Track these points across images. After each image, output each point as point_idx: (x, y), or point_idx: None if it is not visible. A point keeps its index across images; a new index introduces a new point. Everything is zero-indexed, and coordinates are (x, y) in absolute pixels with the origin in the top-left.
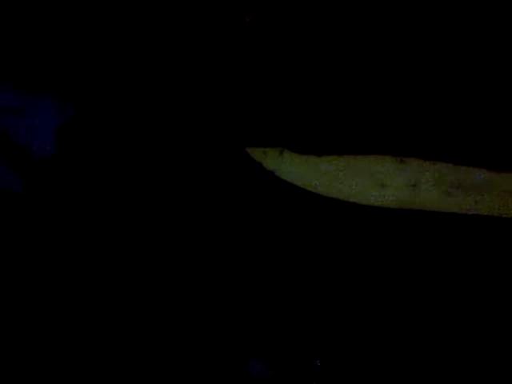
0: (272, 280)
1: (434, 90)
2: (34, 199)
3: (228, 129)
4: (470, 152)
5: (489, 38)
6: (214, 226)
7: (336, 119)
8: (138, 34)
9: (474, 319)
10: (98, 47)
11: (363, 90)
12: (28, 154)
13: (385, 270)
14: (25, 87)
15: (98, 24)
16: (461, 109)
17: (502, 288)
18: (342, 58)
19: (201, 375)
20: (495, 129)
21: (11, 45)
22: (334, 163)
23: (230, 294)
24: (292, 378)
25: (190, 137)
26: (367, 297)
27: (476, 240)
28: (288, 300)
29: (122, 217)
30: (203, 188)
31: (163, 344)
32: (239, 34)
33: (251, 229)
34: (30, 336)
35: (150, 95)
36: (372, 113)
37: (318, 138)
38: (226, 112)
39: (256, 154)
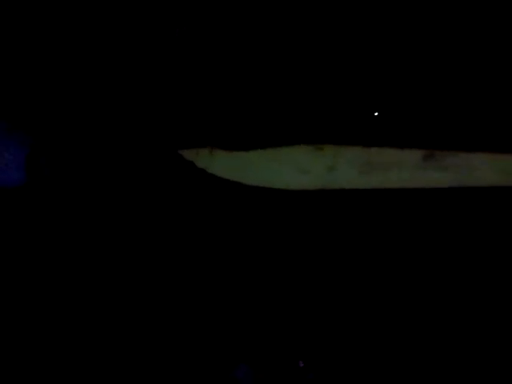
0: (226, 278)
1: (341, 81)
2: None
3: (161, 134)
4: (378, 133)
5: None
6: (154, 226)
7: (259, 116)
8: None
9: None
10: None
11: (278, 86)
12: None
13: (319, 251)
14: None
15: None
16: (365, 94)
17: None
18: (250, 59)
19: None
20: (399, 108)
21: None
22: (260, 156)
23: (194, 297)
24: (277, 380)
25: (129, 143)
26: (319, 283)
27: (389, 214)
28: (252, 298)
29: (83, 231)
30: (142, 189)
31: (152, 351)
32: (171, 43)
33: (189, 225)
34: (29, 335)
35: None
36: (289, 106)
37: (244, 136)
38: (159, 118)
39: (188, 154)
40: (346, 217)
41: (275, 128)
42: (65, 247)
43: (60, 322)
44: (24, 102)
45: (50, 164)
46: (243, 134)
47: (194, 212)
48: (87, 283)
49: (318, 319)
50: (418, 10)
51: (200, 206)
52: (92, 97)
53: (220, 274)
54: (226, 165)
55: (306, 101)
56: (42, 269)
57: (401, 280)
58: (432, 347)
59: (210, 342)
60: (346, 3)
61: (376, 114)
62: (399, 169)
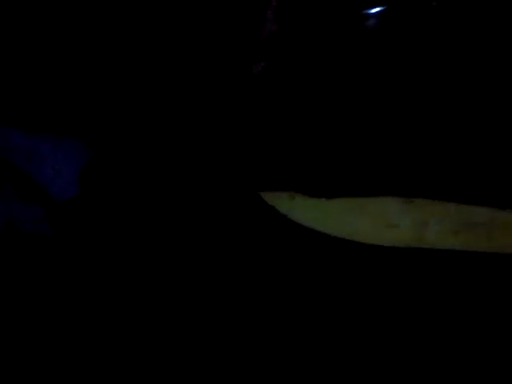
0: (284, 321)
1: (436, 134)
2: (60, 241)
3: (241, 174)
4: (473, 191)
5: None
6: (228, 269)
7: (345, 163)
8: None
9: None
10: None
11: (369, 135)
12: (52, 197)
13: (393, 312)
14: (46, 132)
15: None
16: (463, 150)
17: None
18: (346, 106)
19: None
20: (496, 167)
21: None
22: (344, 205)
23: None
24: None
25: (205, 181)
26: (375, 339)
27: (484, 278)
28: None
29: (144, 256)
30: (218, 232)
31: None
32: (248, 84)
33: (264, 271)
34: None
35: (167, 141)
36: (378, 156)
37: (328, 182)
38: (239, 158)
39: (269, 198)
40: (434, 278)
41: (362, 176)
42: (115, 266)
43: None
44: (83, 113)
45: (105, 178)
46: (327, 179)
47: (272, 259)
48: (145, 300)
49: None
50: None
51: (278, 254)
52: (173, 130)
53: (296, 323)
54: (307, 212)
55: (397, 150)
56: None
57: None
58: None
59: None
60: None
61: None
62: (499, 231)
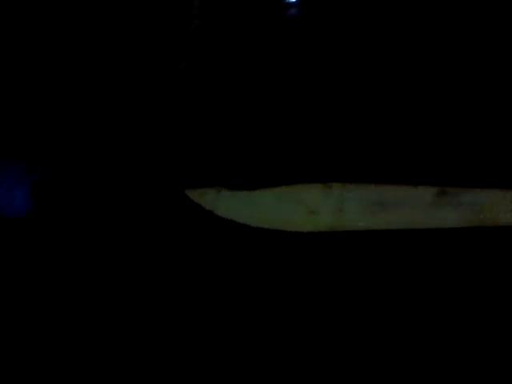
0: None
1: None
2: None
3: (167, 173)
4: (387, 170)
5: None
6: (157, 267)
7: (263, 154)
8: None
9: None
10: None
11: (284, 120)
12: (3, 217)
13: (325, 293)
14: None
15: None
16: (377, 129)
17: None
18: (268, 98)
19: None
20: (411, 145)
21: None
22: (266, 196)
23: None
24: None
25: (135, 181)
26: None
27: (403, 254)
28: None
29: (98, 265)
30: (146, 231)
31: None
32: (174, 79)
33: (194, 268)
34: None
35: (100, 144)
36: (295, 142)
37: (249, 174)
38: (164, 158)
39: (195, 195)
40: (355, 260)
41: (281, 165)
42: (69, 281)
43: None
44: (30, 128)
45: (57, 192)
46: (248, 171)
47: (200, 255)
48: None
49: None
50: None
51: (206, 250)
52: (99, 128)
53: (221, 321)
54: (232, 206)
55: (312, 136)
56: (47, 306)
57: (408, 325)
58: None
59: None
60: None
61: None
62: (412, 208)
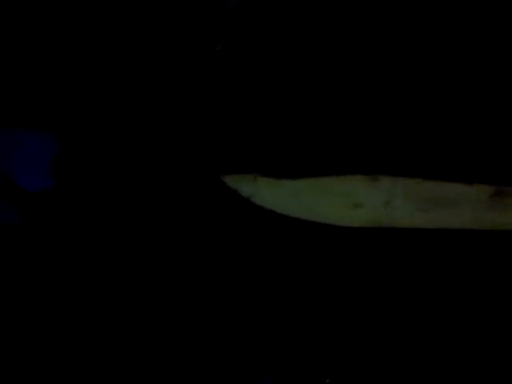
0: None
1: (401, 107)
2: (33, 233)
3: (202, 158)
4: (441, 166)
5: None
6: (193, 257)
7: (307, 142)
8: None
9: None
10: (86, 82)
11: (330, 112)
12: (24, 190)
13: (365, 289)
14: (11, 124)
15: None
16: (431, 123)
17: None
18: (312, 83)
19: None
20: (467, 141)
21: None
22: (307, 186)
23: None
24: None
25: (168, 165)
26: (359, 315)
27: (452, 254)
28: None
29: (118, 245)
30: (181, 217)
31: (172, 360)
32: (210, 61)
33: (229, 258)
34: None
35: (134, 126)
36: (341, 133)
37: (290, 162)
38: (199, 141)
39: (231, 181)
40: (400, 258)
41: (326, 154)
42: (87, 256)
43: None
44: (53, 103)
45: (77, 168)
46: (289, 159)
47: (236, 245)
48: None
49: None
50: None
51: (242, 239)
52: (130, 109)
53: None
54: (270, 194)
55: (360, 124)
56: (65, 277)
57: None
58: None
59: (234, 353)
60: None
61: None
62: (465, 207)
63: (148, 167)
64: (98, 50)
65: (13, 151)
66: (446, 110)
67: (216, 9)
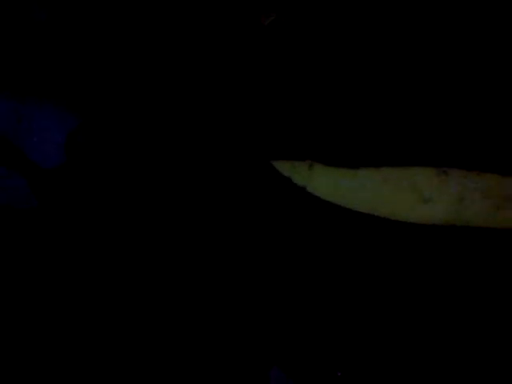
0: (299, 294)
1: (479, 98)
2: (44, 209)
3: (252, 140)
4: None
5: None
6: (240, 245)
7: (371, 128)
8: (147, 39)
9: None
10: (103, 54)
11: (402, 96)
12: (36, 164)
13: (431, 290)
14: (27, 97)
15: (103, 31)
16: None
17: None
18: (375, 64)
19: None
20: None
21: (11, 52)
22: (369, 176)
23: (253, 306)
24: None
25: (210, 148)
26: (403, 316)
27: None
28: (313, 313)
29: (133, 225)
30: (226, 205)
31: (182, 353)
32: (257, 37)
33: (278, 250)
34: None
35: (163, 103)
36: (412, 120)
37: (351, 150)
38: (248, 122)
39: (284, 167)
40: (473, 260)
41: (390, 144)
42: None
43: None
44: (72, 77)
45: (91, 146)
46: (351, 147)
47: (289, 235)
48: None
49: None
50: None
51: (293, 230)
52: (170, 91)
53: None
54: (327, 184)
55: (431, 111)
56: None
57: None
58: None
59: (248, 343)
60: None
61: None
62: None
63: (181, 146)
64: (124, 19)
65: (26, 124)
66: None
67: None
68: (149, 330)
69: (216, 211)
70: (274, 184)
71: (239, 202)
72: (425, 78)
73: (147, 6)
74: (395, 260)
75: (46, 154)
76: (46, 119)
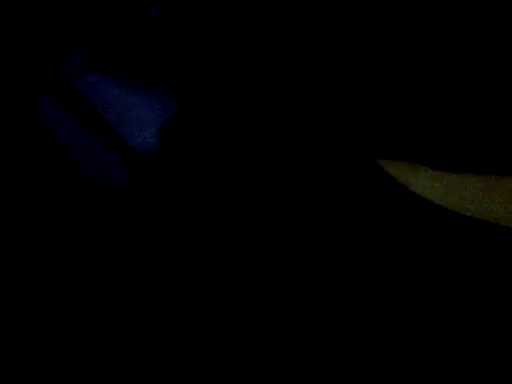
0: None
1: None
2: (138, 193)
3: (359, 139)
4: None
5: None
6: (341, 244)
7: (480, 133)
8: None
9: None
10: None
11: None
12: (132, 149)
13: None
14: (131, 87)
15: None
16: None
17: None
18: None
19: None
20: None
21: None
22: (475, 182)
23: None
24: None
25: (312, 144)
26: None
27: None
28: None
29: (231, 220)
30: (328, 201)
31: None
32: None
33: (380, 247)
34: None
35: (266, 97)
36: None
37: (458, 154)
38: (355, 121)
39: (390, 168)
40: None
41: (501, 150)
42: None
43: None
44: (177, 70)
45: (188, 138)
46: (458, 151)
47: (387, 232)
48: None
49: None
50: None
51: (399, 229)
52: (274, 84)
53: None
54: (431, 186)
55: None
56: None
57: None
58: None
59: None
60: None
61: None
62: None
63: (283, 143)
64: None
65: (128, 112)
66: None
67: None
68: (149, 330)
69: (318, 210)
70: (378, 184)
71: (342, 200)
72: None
73: None
74: (499, 268)
75: (144, 142)
76: (148, 107)
